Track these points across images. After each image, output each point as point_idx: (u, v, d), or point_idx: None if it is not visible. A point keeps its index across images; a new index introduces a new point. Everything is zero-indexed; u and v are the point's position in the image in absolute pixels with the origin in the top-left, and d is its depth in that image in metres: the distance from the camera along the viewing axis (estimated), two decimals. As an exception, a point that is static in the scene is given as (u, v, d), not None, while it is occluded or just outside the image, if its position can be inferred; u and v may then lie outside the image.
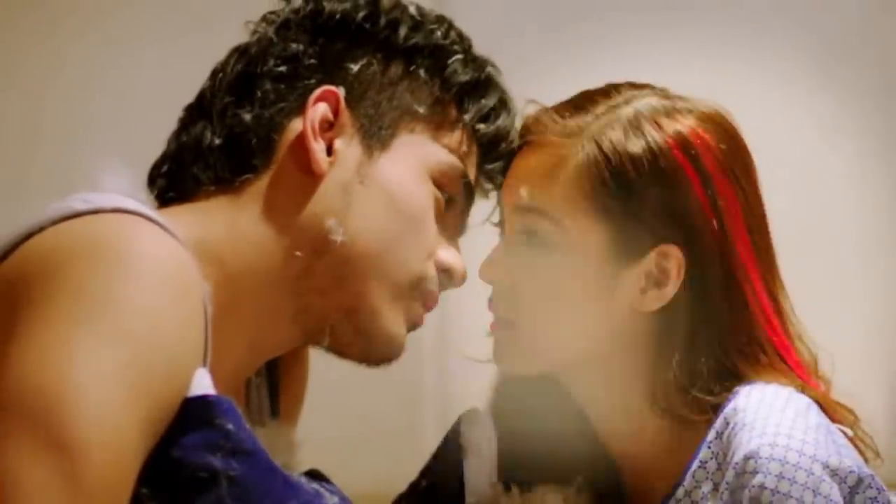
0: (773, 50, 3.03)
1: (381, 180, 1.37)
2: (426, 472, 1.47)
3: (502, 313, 1.42)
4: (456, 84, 1.42)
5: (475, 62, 1.44)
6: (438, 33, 1.42)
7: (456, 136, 1.41)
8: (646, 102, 1.41)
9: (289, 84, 1.37)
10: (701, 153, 1.38)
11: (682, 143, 1.38)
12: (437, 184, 1.40)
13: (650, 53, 2.86)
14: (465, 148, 1.42)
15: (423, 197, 1.39)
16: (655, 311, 1.38)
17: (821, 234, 3.04)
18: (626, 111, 1.40)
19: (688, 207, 1.37)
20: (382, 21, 1.40)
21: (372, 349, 1.40)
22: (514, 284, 1.41)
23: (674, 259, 1.37)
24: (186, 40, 2.75)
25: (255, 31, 1.41)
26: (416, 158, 1.39)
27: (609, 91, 1.43)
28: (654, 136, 1.38)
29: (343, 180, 1.36)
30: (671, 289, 1.37)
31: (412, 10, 1.42)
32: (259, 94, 1.37)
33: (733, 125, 1.43)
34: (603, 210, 1.37)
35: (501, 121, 1.44)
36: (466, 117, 1.42)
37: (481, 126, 1.43)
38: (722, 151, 1.39)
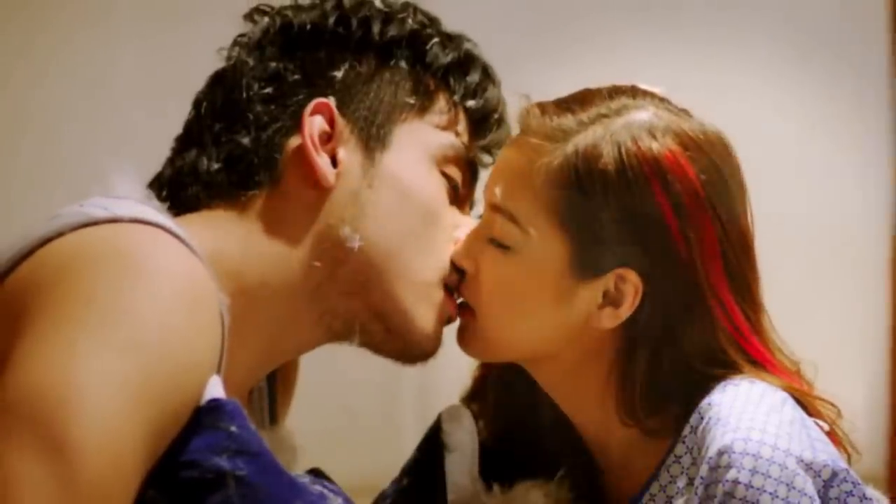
0: (754, 39, 3.04)
1: (388, 180, 1.37)
2: (408, 470, 1.47)
3: (466, 298, 1.42)
4: (439, 67, 1.42)
5: (452, 41, 1.44)
6: (410, 21, 1.41)
7: (448, 117, 1.42)
8: (636, 117, 1.35)
9: (279, 103, 1.37)
10: (676, 180, 1.32)
11: (656, 167, 1.33)
12: (442, 167, 1.41)
13: (636, 45, 2.87)
14: (459, 126, 1.43)
15: (433, 186, 1.39)
16: (617, 328, 1.36)
17: (803, 231, 3.05)
18: (612, 123, 1.34)
19: (653, 234, 1.33)
20: (354, 22, 1.40)
21: (408, 348, 1.40)
22: (479, 273, 1.40)
23: (631, 284, 1.34)
24: (169, 36, 2.76)
25: (229, 57, 1.40)
26: (416, 149, 1.39)
27: (605, 95, 1.38)
28: (629, 155, 1.32)
29: (352, 188, 1.36)
30: (625, 311, 1.35)
31: (377, 3, 1.42)
32: (252, 117, 1.36)
33: (725, 150, 1.37)
34: (567, 223, 1.35)
35: (489, 92, 1.44)
36: (455, 97, 1.42)
37: (471, 102, 1.43)
38: (700, 181, 1.33)
